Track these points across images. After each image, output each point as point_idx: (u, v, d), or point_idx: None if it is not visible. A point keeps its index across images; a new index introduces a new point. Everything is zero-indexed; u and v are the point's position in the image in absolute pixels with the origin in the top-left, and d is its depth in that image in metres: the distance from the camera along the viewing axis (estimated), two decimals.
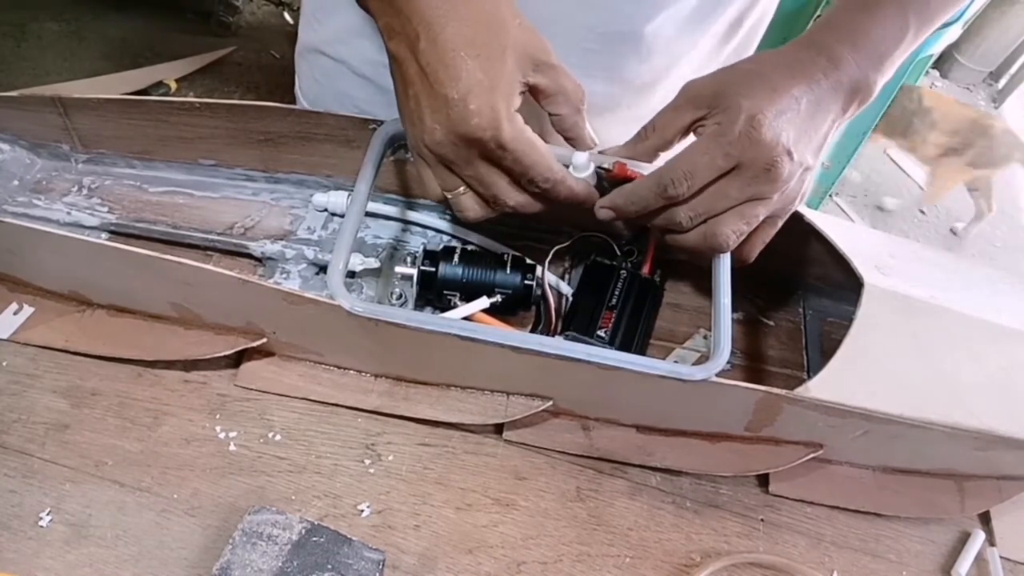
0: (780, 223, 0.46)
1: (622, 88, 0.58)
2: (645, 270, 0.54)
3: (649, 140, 0.46)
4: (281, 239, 0.56)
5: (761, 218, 0.44)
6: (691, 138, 0.44)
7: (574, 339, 0.51)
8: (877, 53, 0.44)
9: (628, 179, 0.48)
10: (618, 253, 0.56)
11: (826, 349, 0.57)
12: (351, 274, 0.54)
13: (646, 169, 0.47)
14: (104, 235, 0.56)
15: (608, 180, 0.50)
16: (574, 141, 0.44)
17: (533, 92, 0.41)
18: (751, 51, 0.64)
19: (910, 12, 0.45)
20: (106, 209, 0.57)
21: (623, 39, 0.54)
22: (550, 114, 0.43)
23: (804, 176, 0.44)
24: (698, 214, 0.44)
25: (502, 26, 0.39)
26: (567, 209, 0.45)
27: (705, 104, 0.43)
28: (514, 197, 0.43)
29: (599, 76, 0.56)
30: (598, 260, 0.56)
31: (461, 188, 0.43)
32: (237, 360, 0.52)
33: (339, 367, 0.52)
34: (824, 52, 0.43)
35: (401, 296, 0.52)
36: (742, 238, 0.44)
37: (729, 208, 0.43)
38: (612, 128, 0.61)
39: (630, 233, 0.56)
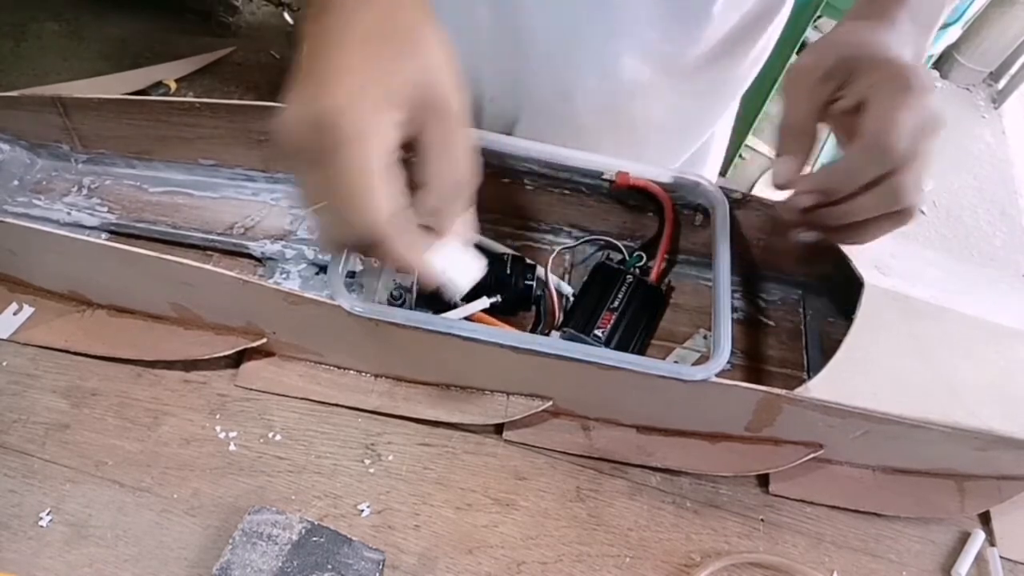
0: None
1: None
2: (652, 277, 0.54)
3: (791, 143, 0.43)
4: (281, 239, 0.56)
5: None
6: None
7: (570, 336, 0.51)
8: (929, 26, 0.42)
9: (631, 187, 0.49)
10: (627, 257, 0.56)
11: (826, 349, 0.57)
12: (351, 274, 0.54)
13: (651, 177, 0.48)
14: (104, 235, 0.56)
15: (613, 190, 0.51)
16: (435, 232, 0.36)
17: (405, 143, 0.33)
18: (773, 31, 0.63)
19: None
20: (106, 209, 0.57)
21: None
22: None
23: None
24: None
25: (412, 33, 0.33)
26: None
27: (837, 73, 0.40)
28: (345, 235, 0.34)
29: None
30: (607, 262, 0.55)
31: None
32: (237, 360, 0.52)
33: (339, 367, 0.52)
34: (900, 25, 0.41)
35: (401, 296, 0.51)
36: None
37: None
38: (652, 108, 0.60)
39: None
